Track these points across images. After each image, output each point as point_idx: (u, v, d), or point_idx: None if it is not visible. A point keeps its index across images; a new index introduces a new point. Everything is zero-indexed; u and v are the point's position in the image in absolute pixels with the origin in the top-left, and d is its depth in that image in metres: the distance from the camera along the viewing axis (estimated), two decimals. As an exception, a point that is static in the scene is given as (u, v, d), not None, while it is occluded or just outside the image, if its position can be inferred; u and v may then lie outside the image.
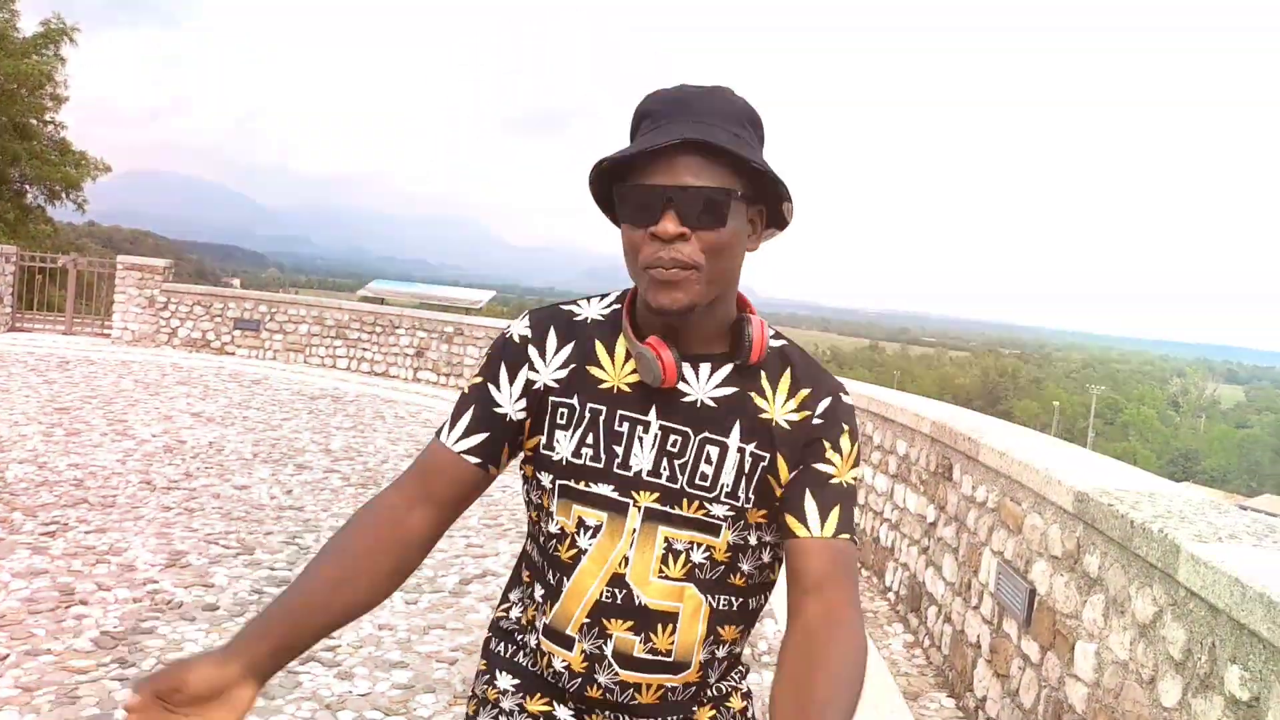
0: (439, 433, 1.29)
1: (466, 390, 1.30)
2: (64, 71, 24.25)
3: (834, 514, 1.20)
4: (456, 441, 1.27)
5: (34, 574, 4.35)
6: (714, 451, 1.23)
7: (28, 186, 24.96)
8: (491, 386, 1.28)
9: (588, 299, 1.34)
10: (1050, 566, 3.06)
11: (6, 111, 22.73)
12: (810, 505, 1.21)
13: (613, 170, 1.21)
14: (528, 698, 1.32)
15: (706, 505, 1.23)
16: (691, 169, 1.14)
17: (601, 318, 1.30)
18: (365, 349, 13.56)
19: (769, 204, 1.25)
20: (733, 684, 1.36)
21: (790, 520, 1.21)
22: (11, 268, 14.20)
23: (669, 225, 1.14)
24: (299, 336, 13.93)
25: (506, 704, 1.33)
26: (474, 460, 1.26)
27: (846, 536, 1.20)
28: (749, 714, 1.39)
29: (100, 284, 14.98)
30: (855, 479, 1.27)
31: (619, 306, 1.31)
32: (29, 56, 22.81)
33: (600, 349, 1.28)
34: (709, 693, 1.32)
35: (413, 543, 1.25)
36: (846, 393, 1.30)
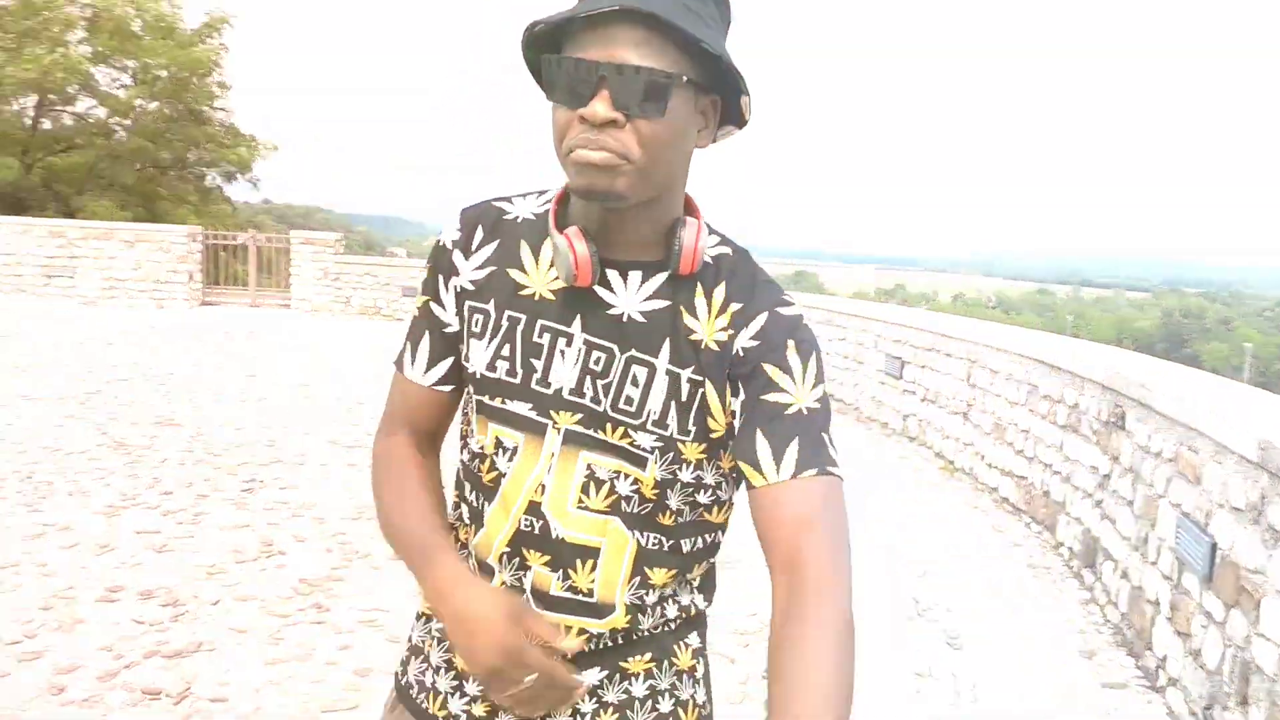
0: (400, 364, 1.21)
1: (416, 312, 1.20)
2: (228, 58, 25.73)
3: (790, 450, 1.02)
4: (425, 374, 1.19)
5: (238, 528, 4.74)
6: (640, 373, 1.08)
7: (206, 170, 26.70)
8: (435, 306, 1.17)
9: (524, 195, 1.18)
10: (1233, 518, 2.92)
11: (182, 99, 24.31)
12: (762, 446, 1.03)
13: (546, 39, 1.04)
14: (454, 652, 1.17)
15: (631, 433, 1.08)
16: (633, 45, 0.97)
17: (533, 216, 1.15)
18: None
19: (726, 95, 1.06)
20: (679, 636, 1.19)
21: (745, 468, 1.05)
22: (199, 247, 15.26)
23: (599, 108, 0.97)
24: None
25: (435, 657, 1.22)
26: (447, 389, 1.19)
27: (812, 472, 1.02)
28: (698, 673, 1.21)
29: (278, 258, 15.93)
30: (819, 401, 1.07)
31: (549, 207, 1.13)
32: (195, 45, 24.27)
33: (525, 250, 1.13)
34: (644, 643, 1.16)
35: (436, 473, 1.21)
36: (790, 303, 1.11)
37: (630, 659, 1.16)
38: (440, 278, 1.16)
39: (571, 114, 0.99)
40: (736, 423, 1.08)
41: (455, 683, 1.19)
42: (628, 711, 1.16)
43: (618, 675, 1.15)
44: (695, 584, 1.20)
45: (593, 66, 0.97)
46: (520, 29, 1.05)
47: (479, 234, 1.15)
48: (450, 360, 1.18)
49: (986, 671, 3.60)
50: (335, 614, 3.77)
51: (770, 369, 1.06)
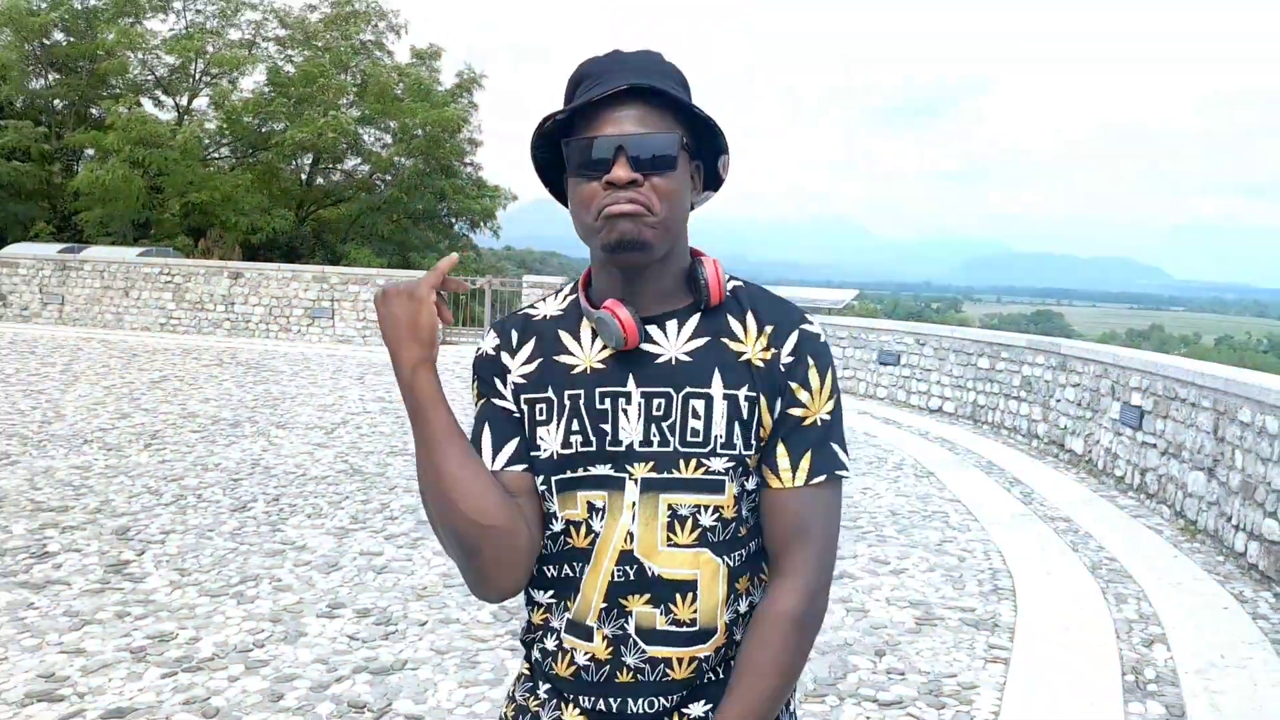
0: None
1: (477, 416, 1.27)
2: (477, 116, 27.62)
3: (806, 460, 1.20)
4: (494, 459, 1.23)
5: (450, 554, 5.02)
6: (699, 405, 1.19)
7: (453, 219, 28.69)
8: (495, 399, 1.26)
9: (544, 299, 1.32)
10: None
11: (434, 154, 26.30)
12: (782, 455, 1.21)
13: (559, 132, 1.21)
14: (563, 707, 1.25)
15: (705, 461, 1.19)
16: (637, 118, 1.16)
17: (560, 312, 1.28)
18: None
19: (705, 161, 1.25)
20: None
21: (766, 472, 1.21)
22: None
23: (621, 171, 1.14)
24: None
25: (546, 716, 1.27)
26: (519, 468, 1.23)
27: (821, 478, 1.20)
28: (791, 706, 1.31)
29: (512, 300, 16.84)
30: (830, 412, 1.23)
31: (574, 296, 1.28)
32: (448, 105, 26.21)
33: (565, 337, 1.26)
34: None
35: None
36: (810, 321, 1.25)
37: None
38: (494, 379, 1.27)
39: (595, 185, 1.16)
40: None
41: None
42: None
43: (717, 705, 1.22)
44: (762, 578, 1.27)
45: (611, 140, 1.15)
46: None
47: (514, 336, 1.28)
48: (517, 440, 1.24)
49: (1215, 756, 3.24)
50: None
51: (793, 385, 1.22)
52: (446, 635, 3.95)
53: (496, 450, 1.23)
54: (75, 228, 24.05)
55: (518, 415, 1.25)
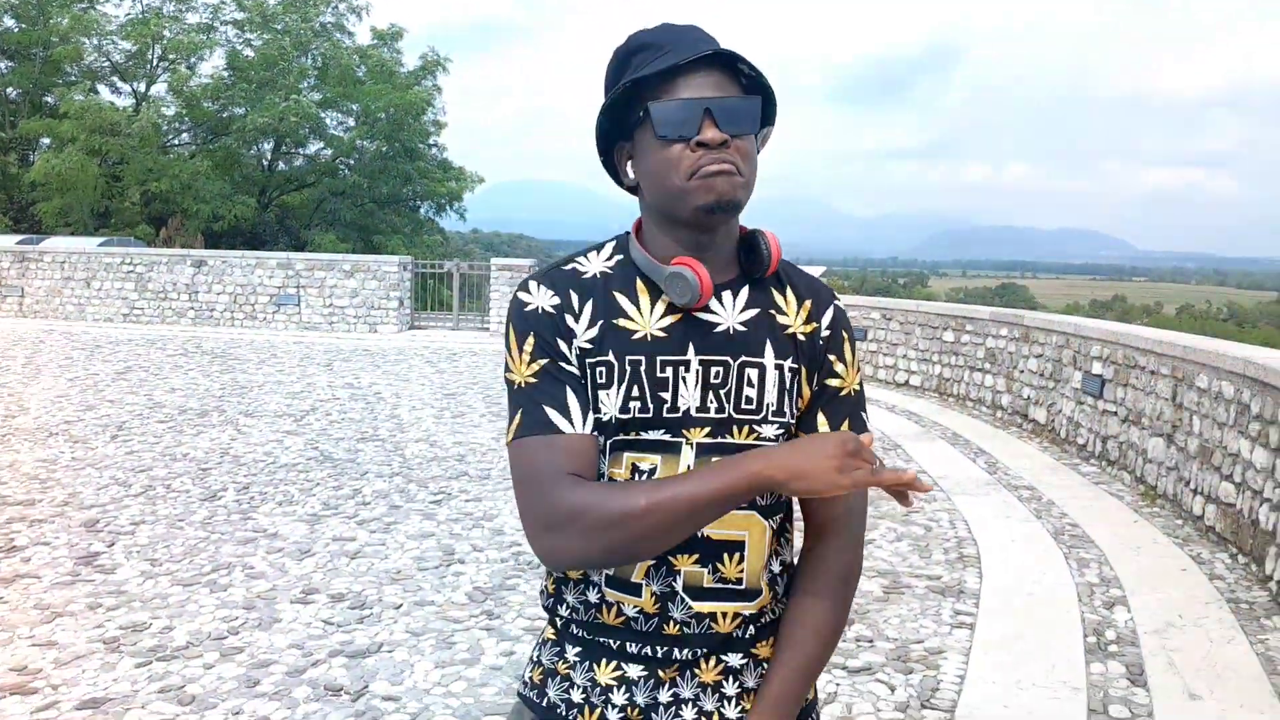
0: (541, 429, 1.19)
1: (534, 379, 1.21)
2: (441, 98, 27.41)
3: (844, 427, 1.27)
4: (584, 423, 1.20)
5: (423, 536, 5.04)
6: (754, 374, 1.24)
7: (419, 202, 28.49)
8: (562, 363, 1.22)
9: (584, 254, 1.30)
10: None
11: (398, 137, 26.08)
12: (823, 423, 1.27)
13: (631, 95, 1.22)
14: (596, 667, 1.26)
15: (757, 428, 1.23)
16: (716, 84, 1.19)
17: (610, 270, 1.27)
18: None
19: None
20: None
21: None
22: (409, 274, 16.29)
23: (712, 132, 1.17)
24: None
25: (578, 678, 1.27)
26: (593, 432, 1.22)
27: None
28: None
29: (480, 283, 16.78)
30: (859, 384, 1.32)
31: (622, 256, 1.28)
32: (412, 88, 25.97)
33: (624, 300, 1.25)
34: (771, 626, 1.28)
35: None
36: (838, 297, 1.33)
37: (759, 644, 1.28)
38: (558, 340, 1.22)
39: (681, 147, 1.19)
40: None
41: (603, 696, 1.25)
42: None
43: (751, 661, 1.27)
44: (790, 540, 1.34)
45: (699, 102, 1.18)
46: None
47: (574, 296, 1.24)
48: (591, 405, 1.22)
49: (1174, 711, 3.35)
50: (504, 621, 3.95)
51: (832, 357, 1.29)
52: (422, 617, 3.98)
53: (585, 414, 1.21)
54: (33, 218, 23.66)
55: (583, 380, 1.22)
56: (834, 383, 1.28)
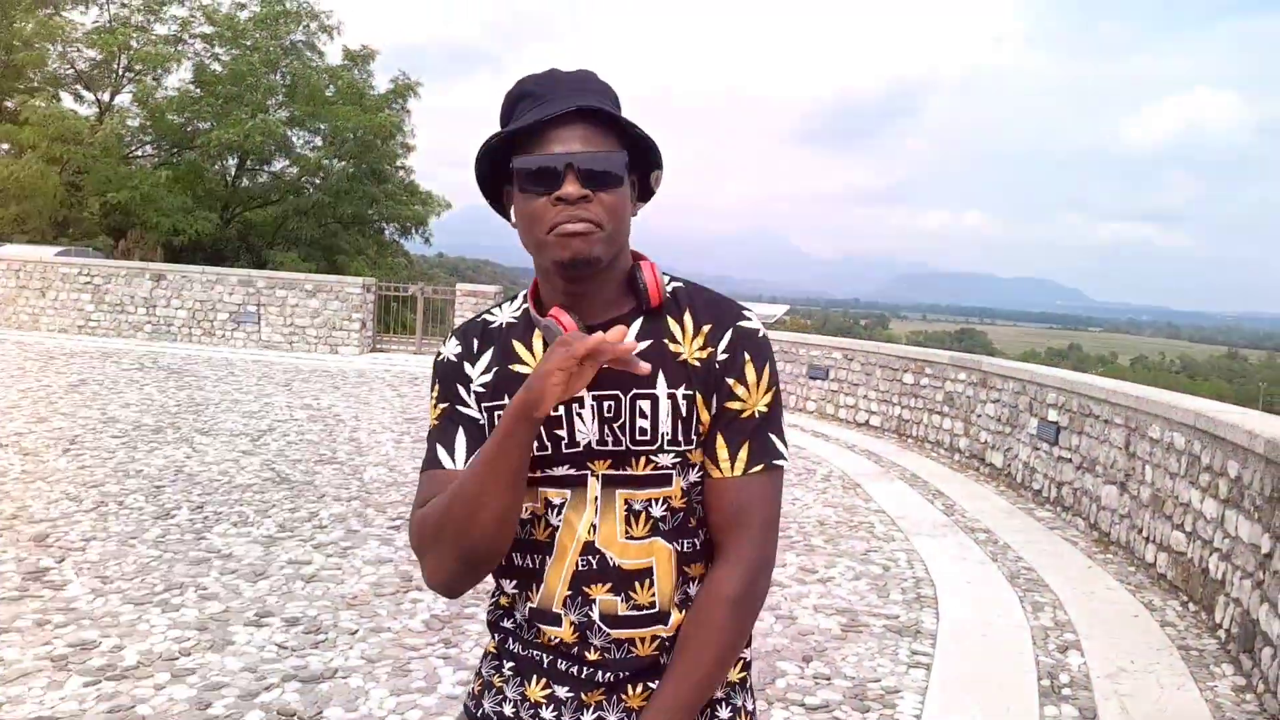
0: (433, 464, 1.30)
1: (436, 422, 1.33)
2: (410, 122, 27.38)
3: (744, 450, 1.27)
4: (466, 462, 1.28)
5: (381, 562, 4.99)
6: (645, 405, 1.26)
7: (384, 225, 28.35)
8: (459, 406, 1.32)
9: (500, 305, 1.39)
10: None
11: (365, 159, 25.99)
12: (720, 446, 1.28)
13: (503, 150, 1.26)
14: (526, 684, 1.33)
15: (654, 458, 1.26)
16: (582, 137, 1.22)
17: (514, 319, 1.35)
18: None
19: (639, 175, 1.32)
20: None
21: (707, 463, 1.29)
22: (372, 296, 16.18)
23: (571, 188, 1.20)
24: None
25: (510, 692, 1.34)
26: None
27: (759, 468, 1.28)
28: (748, 683, 1.38)
29: (445, 308, 16.72)
30: (769, 404, 1.30)
31: (525, 305, 1.35)
32: (381, 111, 25.92)
33: (519, 346, 1.32)
34: None
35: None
36: (748, 317, 1.32)
37: None
38: (457, 386, 1.33)
39: (544, 200, 1.22)
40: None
41: (532, 713, 1.32)
42: None
43: None
44: (709, 561, 1.34)
45: (561, 158, 1.22)
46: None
47: (475, 344, 1.34)
48: (478, 447, 1.29)
49: (1123, 757, 3.39)
50: (461, 650, 3.92)
51: (730, 381, 1.29)
52: (378, 644, 3.93)
53: (469, 452, 1.29)
54: (-12, 225, 23.20)
55: (482, 422, 1.31)
56: (733, 405, 1.28)
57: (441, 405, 1.33)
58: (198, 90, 25.07)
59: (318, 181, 26.87)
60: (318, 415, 9.55)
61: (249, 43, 25.32)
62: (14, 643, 3.69)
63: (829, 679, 3.87)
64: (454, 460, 1.29)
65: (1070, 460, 7.13)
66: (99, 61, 25.66)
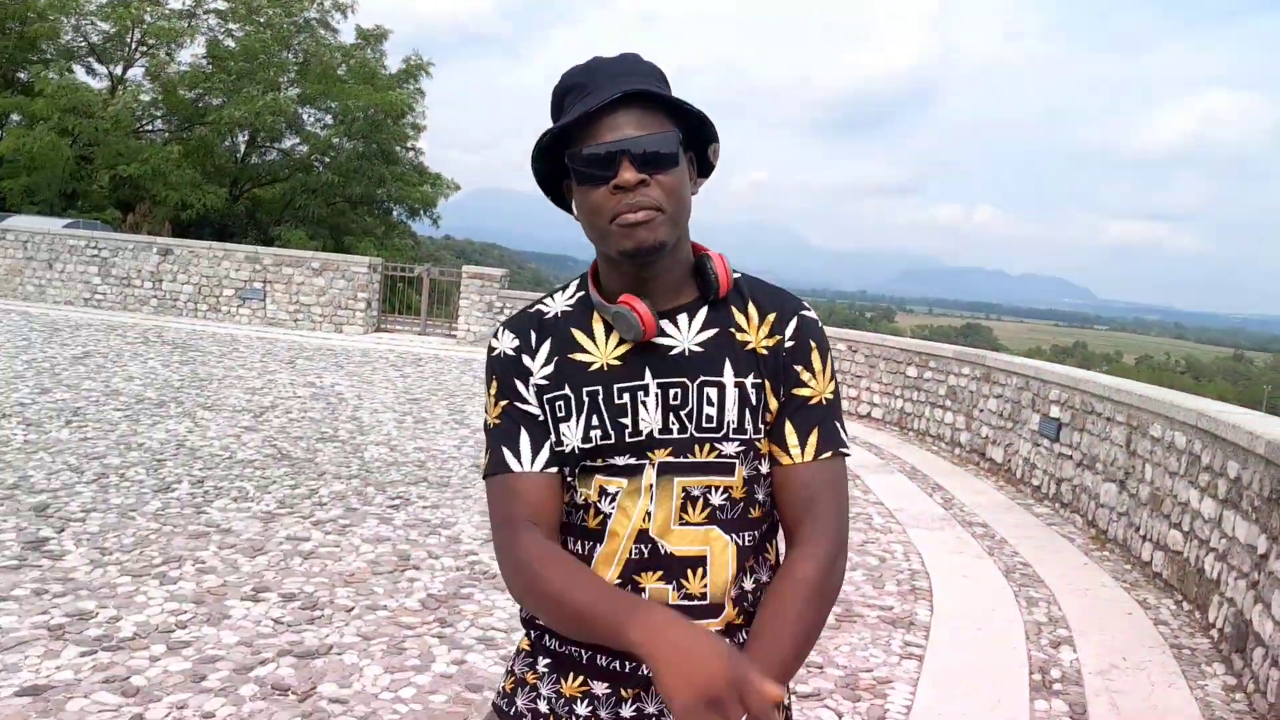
0: (497, 470, 1.28)
1: (497, 421, 1.30)
2: (422, 103, 27.33)
3: (813, 437, 1.28)
4: (534, 462, 1.27)
5: (379, 540, 5.01)
6: (713, 393, 1.26)
7: (392, 205, 28.33)
8: (520, 404, 1.29)
9: (551, 295, 1.37)
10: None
11: (375, 139, 25.95)
12: (790, 433, 1.28)
13: (557, 145, 1.25)
14: (562, 680, 1.32)
15: (718, 446, 1.26)
16: (634, 122, 1.21)
17: (570, 308, 1.33)
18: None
19: (695, 151, 1.30)
20: None
21: (775, 449, 1.28)
22: (378, 276, 16.20)
23: (628, 174, 1.19)
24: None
25: (544, 689, 1.33)
26: (554, 470, 1.28)
27: (829, 455, 1.28)
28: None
29: (450, 290, 16.72)
30: (833, 393, 1.31)
31: (583, 293, 1.33)
32: (393, 90, 25.87)
33: (579, 334, 1.30)
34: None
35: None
36: (808, 307, 1.34)
37: None
38: (516, 381, 1.30)
39: (603, 190, 1.21)
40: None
41: (567, 709, 1.32)
42: None
43: None
44: (770, 560, 1.35)
45: (612, 145, 1.20)
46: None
47: (533, 336, 1.32)
48: (548, 444, 1.29)
49: (1112, 753, 3.40)
50: (456, 630, 3.93)
51: (798, 367, 1.29)
52: (374, 621, 3.95)
53: (535, 452, 1.28)
54: (-2, 195, 23.26)
55: (542, 418, 1.29)
56: (802, 392, 1.29)
57: (501, 403, 1.31)
58: (210, 66, 25.05)
59: (327, 160, 26.85)
60: (320, 393, 9.57)
61: (262, 19, 25.28)
62: (12, 611, 3.72)
63: (821, 668, 3.89)
64: (520, 463, 1.27)
65: (1071, 457, 7.13)
66: (112, 35, 25.63)
